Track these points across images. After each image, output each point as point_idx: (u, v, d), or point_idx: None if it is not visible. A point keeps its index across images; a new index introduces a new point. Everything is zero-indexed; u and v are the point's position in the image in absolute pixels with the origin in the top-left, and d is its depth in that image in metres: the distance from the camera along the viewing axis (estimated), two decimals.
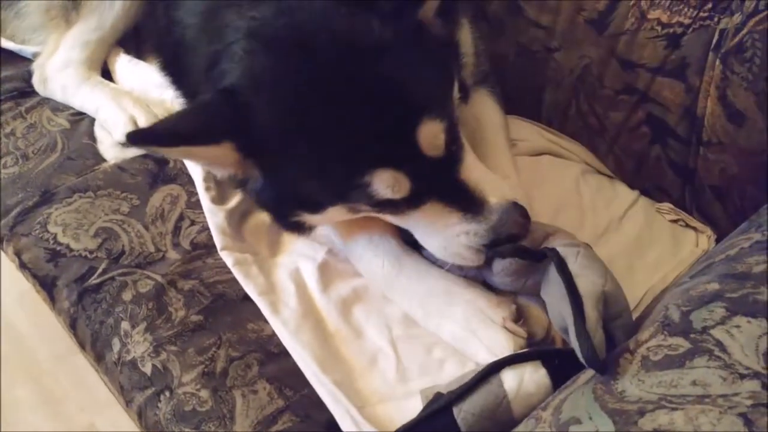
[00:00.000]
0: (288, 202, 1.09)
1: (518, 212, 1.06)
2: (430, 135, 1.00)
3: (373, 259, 1.17)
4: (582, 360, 0.86)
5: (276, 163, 1.02)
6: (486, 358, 1.02)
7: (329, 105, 0.96)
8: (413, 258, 1.16)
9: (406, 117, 0.99)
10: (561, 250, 1.02)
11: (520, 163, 1.39)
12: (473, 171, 1.08)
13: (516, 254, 1.04)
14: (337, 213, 1.08)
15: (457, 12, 1.36)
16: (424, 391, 1.01)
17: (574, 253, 1.01)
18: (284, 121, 0.98)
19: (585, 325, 0.89)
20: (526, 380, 0.94)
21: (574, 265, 0.99)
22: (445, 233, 1.07)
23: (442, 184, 1.05)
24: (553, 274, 1.00)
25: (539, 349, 1.00)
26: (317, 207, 1.07)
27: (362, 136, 0.98)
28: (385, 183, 1.00)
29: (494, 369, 0.94)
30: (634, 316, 1.04)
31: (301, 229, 1.18)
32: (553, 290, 1.00)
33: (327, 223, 1.18)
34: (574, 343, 0.88)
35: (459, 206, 1.05)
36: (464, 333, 1.07)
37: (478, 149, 1.33)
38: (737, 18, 1.19)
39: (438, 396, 0.97)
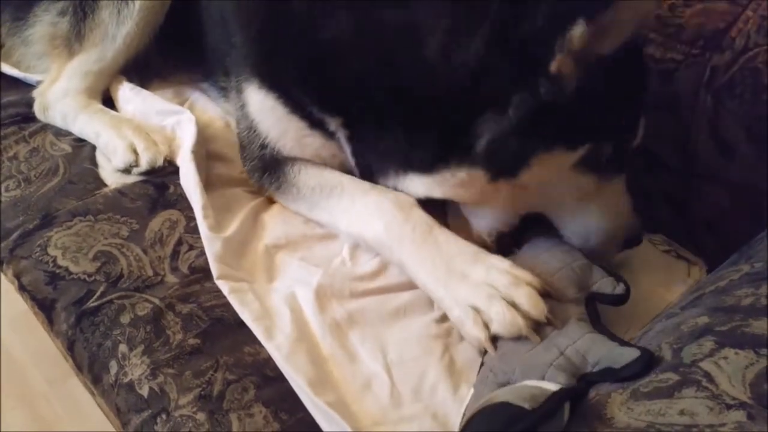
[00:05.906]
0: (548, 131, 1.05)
1: None
2: None
3: (403, 224, 1.18)
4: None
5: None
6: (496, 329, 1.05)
7: None
8: (443, 229, 1.18)
9: None
10: None
11: None
12: None
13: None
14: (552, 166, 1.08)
15: None
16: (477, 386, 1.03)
17: None
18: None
19: None
20: (566, 414, 0.87)
21: None
22: (609, 214, 1.15)
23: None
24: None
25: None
26: (577, 140, 1.07)
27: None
28: (643, 125, 1.13)
29: (564, 397, 0.86)
30: None
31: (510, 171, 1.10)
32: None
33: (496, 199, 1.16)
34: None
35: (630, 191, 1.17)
36: (480, 296, 1.07)
37: None
38: (728, 55, 1.22)
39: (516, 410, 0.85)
